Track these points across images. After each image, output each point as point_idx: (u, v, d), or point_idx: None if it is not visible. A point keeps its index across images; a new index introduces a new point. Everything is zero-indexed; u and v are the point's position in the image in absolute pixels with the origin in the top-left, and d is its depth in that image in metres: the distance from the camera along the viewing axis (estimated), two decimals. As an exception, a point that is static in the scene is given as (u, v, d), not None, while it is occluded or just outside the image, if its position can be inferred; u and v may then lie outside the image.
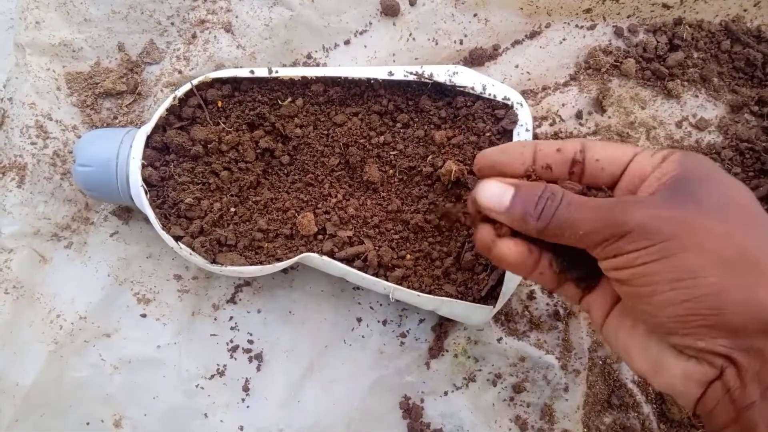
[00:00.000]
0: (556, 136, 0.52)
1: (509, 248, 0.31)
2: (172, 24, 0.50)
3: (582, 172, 0.32)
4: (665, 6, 0.53)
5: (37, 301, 0.47)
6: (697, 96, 0.53)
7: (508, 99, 0.43)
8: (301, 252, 0.44)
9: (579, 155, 0.32)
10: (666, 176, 0.29)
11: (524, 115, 0.43)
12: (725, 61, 0.53)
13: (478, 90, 0.44)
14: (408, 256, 0.45)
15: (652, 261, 0.26)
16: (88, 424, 0.46)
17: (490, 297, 0.44)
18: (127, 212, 0.49)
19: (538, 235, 0.30)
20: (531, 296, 0.51)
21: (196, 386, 0.47)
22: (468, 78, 0.44)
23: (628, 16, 0.53)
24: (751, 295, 0.25)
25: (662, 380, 0.29)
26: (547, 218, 0.29)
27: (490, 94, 0.44)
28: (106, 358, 0.47)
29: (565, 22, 0.53)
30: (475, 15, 0.51)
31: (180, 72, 0.50)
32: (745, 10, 0.53)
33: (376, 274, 0.44)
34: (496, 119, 0.44)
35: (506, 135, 0.44)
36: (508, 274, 0.42)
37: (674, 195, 0.28)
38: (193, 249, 0.43)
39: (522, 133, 0.43)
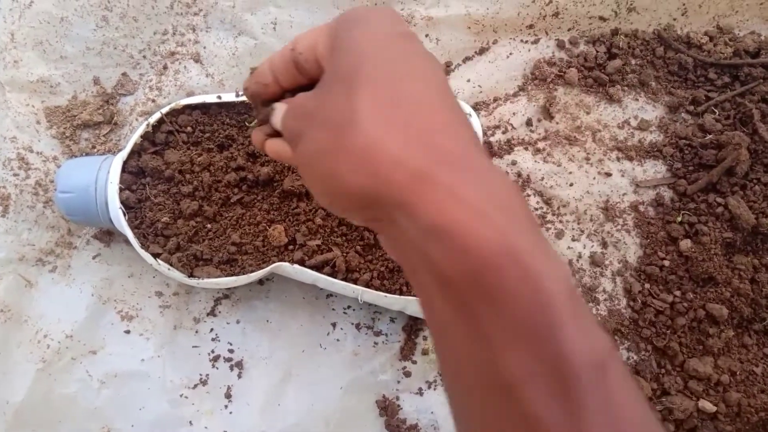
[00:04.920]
0: (509, 143, 0.56)
1: (272, 145, 0.34)
2: (144, 57, 0.53)
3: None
4: (602, 18, 0.57)
5: (24, 323, 0.49)
6: (637, 99, 0.58)
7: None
8: (274, 262, 0.47)
9: (294, 54, 0.29)
10: (322, 46, 0.26)
11: (474, 124, 0.47)
12: (660, 66, 0.58)
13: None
14: (374, 260, 0.48)
15: (296, 158, 0.26)
16: (77, 438, 0.48)
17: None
18: (108, 235, 0.52)
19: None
20: (494, 293, 0.54)
21: (181, 396, 0.50)
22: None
23: (569, 30, 0.58)
24: (334, 171, 0.22)
25: None
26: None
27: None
28: (93, 374, 0.49)
29: (510, 38, 0.57)
30: (426, 35, 0.55)
31: (153, 101, 0.53)
32: (674, 19, 0.58)
33: (345, 279, 0.47)
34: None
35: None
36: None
37: (325, 71, 0.26)
38: (171, 264, 0.46)
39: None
